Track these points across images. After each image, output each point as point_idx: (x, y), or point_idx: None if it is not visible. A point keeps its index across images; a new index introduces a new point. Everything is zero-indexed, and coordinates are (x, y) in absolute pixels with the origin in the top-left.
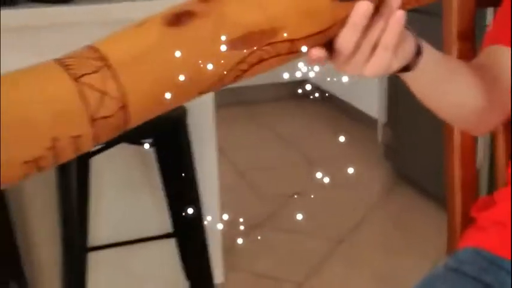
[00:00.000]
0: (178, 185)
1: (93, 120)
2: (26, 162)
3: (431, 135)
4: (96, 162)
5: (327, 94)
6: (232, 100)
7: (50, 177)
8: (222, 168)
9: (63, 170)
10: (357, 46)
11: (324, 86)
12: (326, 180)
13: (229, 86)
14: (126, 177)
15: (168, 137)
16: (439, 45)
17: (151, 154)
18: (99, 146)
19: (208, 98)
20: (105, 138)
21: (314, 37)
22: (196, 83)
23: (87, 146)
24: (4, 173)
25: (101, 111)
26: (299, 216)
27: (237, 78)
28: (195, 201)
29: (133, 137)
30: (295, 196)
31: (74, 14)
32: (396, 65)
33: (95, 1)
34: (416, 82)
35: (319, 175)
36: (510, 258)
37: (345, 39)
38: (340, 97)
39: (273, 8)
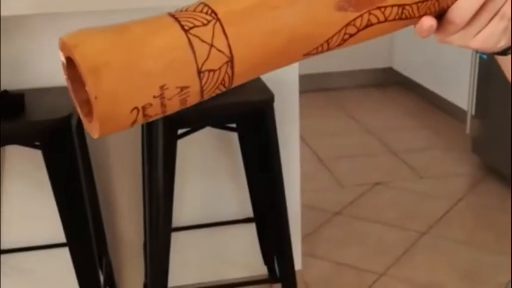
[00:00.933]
0: (261, 170)
1: (200, 72)
2: (134, 109)
3: None
4: (181, 145)
5: (412, 83)
6: (314, 87)
7: (136, 158)
8: (303, 155)
9: (149, 151)
10: (474, 16)
11: (410, 75)
12: (409, 171)
13: (312, 71)
14: (210, 160)
15: (252, 121)
16: None
17: (235, 138)
18: (185, 129)
19: (294, 83)
20: (210, 93)
21: (425, 3)
22: (303, 43)
23: (193, 99)
24: (112, 119)
25: (207, 64)
26: (381, 206)
27: (343, 42)
28: (278, 187)
29: (218, 121)
30: (377, 186)
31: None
32: (503, 42)
33: None
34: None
35: (401, 166)
36: None
37: (465, 6)
38: (426, 86)
39: None
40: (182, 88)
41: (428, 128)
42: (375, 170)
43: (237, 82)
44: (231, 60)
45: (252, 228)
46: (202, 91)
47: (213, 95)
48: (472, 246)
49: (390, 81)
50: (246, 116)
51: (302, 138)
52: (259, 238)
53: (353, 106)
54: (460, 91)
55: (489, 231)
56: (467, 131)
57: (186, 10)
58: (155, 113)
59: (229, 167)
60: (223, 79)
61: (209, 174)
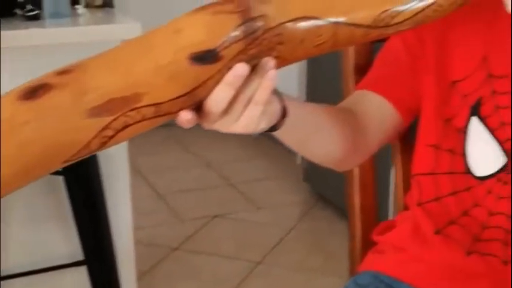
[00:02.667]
0: (88, 213)
1: None
2: None
3: None
4: None
5: None
6: None
7: None
8: (142, 192)
9: None
10: (229, 105)
11: None
12: (246, 202)
13: None
14: (36, 205)
15: (77, 164)
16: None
17: (61, 182)
18: None
19: None
20: None
21: (180, 100)
22: (60, 152)
23: None
24: None
25: None
26: (218, 239)
27: (103, 144)
28: (105, 228)
29: None
30: (215, 218)
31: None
32: (263, 124)
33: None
34: (283, 138)
35: (239, 198)
36: (407, 280)
37: (218, 98)
38: None
39: (134, 73)
40: None
41: (263, 159)
42: (214, 202)
43: None
44: None
45: (84, 271)
46: None
47: None
48: (303, 271)
49: None
50: None
51: (141, 175)
52: (90, 281)
53: (191, 140)
54: None
55: (319, 255)
56: (298, 161)
57: None
58: None
59: (58, 210)
60: None
61: (37, 219)
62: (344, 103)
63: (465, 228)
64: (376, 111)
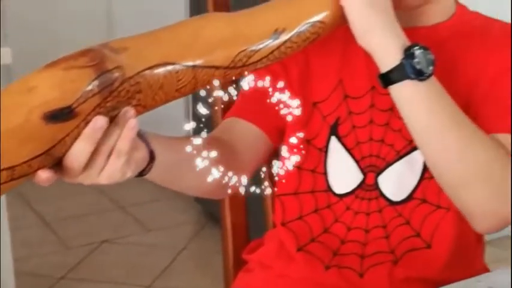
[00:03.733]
0: None
1: None
2: None
3: None
4: None
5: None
6: None
7: None
8: (28, 221)
9: None
10: (90, 158)
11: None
12: (136, 225)
13: None
14: None
15: None
16: None
17: None
18: None
19: None
20: None
21: (36, 160)
22: None
23: None
24: None
25: None
26: (107, 264)
27: None
28: None
29: None
30: (104, 244)
31: None
32: (129, 173)
33: None
34: (153, 179)
35: (130, 221)
36: None
37: (77, 154)
38: None
39: None
40: None
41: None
42: (103, 227)
43: None
44: None
45: None
46: None
47: None
48: None
49: None
50: None
51: (27, 204)
52: None
53: None
54: None
55: (208, 275)
56: None
57: None
58: None
59: None
60: None
61: None
62: (214, 132)
63: (325, 244)
64: (246, 136)
